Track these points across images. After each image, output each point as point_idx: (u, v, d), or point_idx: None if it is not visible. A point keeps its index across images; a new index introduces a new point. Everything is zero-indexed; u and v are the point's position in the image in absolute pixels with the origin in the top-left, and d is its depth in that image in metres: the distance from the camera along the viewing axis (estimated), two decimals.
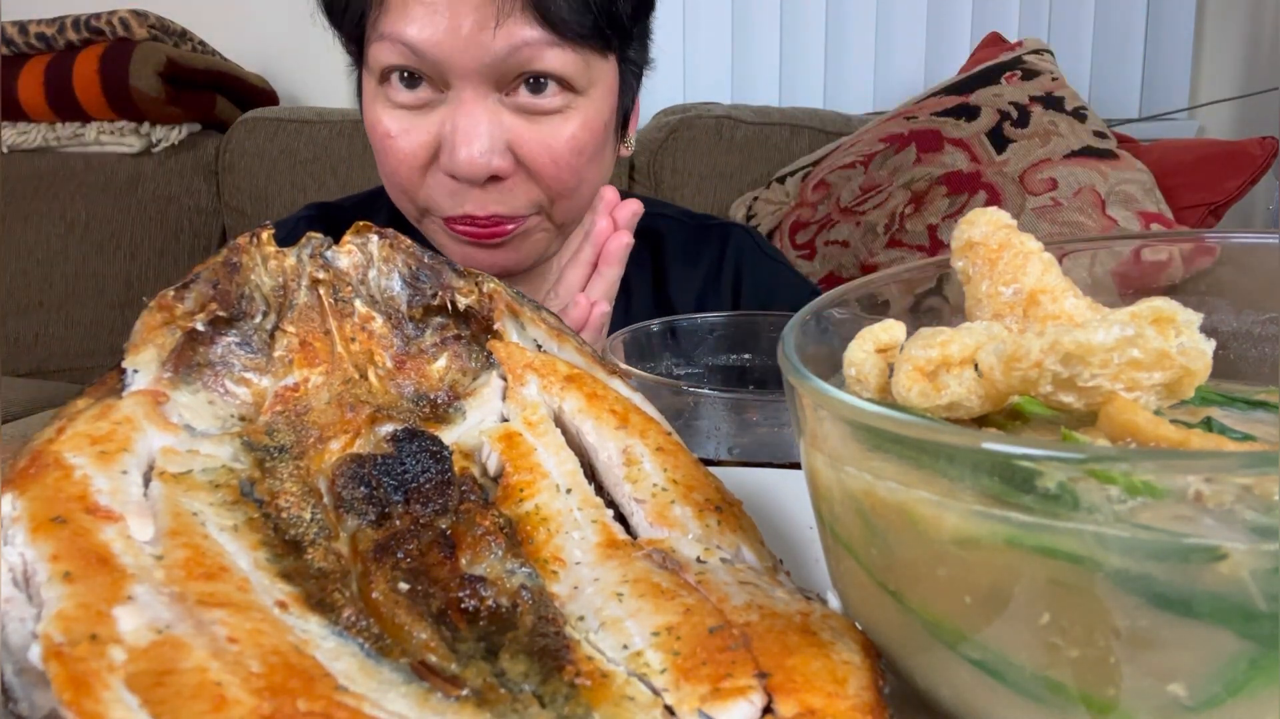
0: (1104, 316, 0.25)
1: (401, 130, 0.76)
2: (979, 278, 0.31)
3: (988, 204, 0.41)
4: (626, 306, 0.95)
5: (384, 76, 0.76)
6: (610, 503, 0.36)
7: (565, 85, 0.75)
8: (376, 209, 0.96)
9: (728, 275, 1.00)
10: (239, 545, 0.30)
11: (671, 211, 1.06)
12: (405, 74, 0.75)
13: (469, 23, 0.71)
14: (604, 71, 0.78)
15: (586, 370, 0.40)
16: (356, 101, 0.85)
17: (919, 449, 0.23)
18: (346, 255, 0.41)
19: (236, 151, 1.95)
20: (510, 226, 0.78)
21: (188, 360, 0.38)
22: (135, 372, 0.36)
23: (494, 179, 0.76)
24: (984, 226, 0.31)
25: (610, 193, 0.74)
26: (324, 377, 0.39)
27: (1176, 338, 0.24)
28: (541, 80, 0.74)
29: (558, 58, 0.73)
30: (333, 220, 0.97)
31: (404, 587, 0.30)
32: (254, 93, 2.08)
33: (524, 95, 0.75)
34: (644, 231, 1.01)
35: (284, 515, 0.32)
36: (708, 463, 0.42)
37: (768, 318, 0.61)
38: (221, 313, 0.39)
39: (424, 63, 0.73)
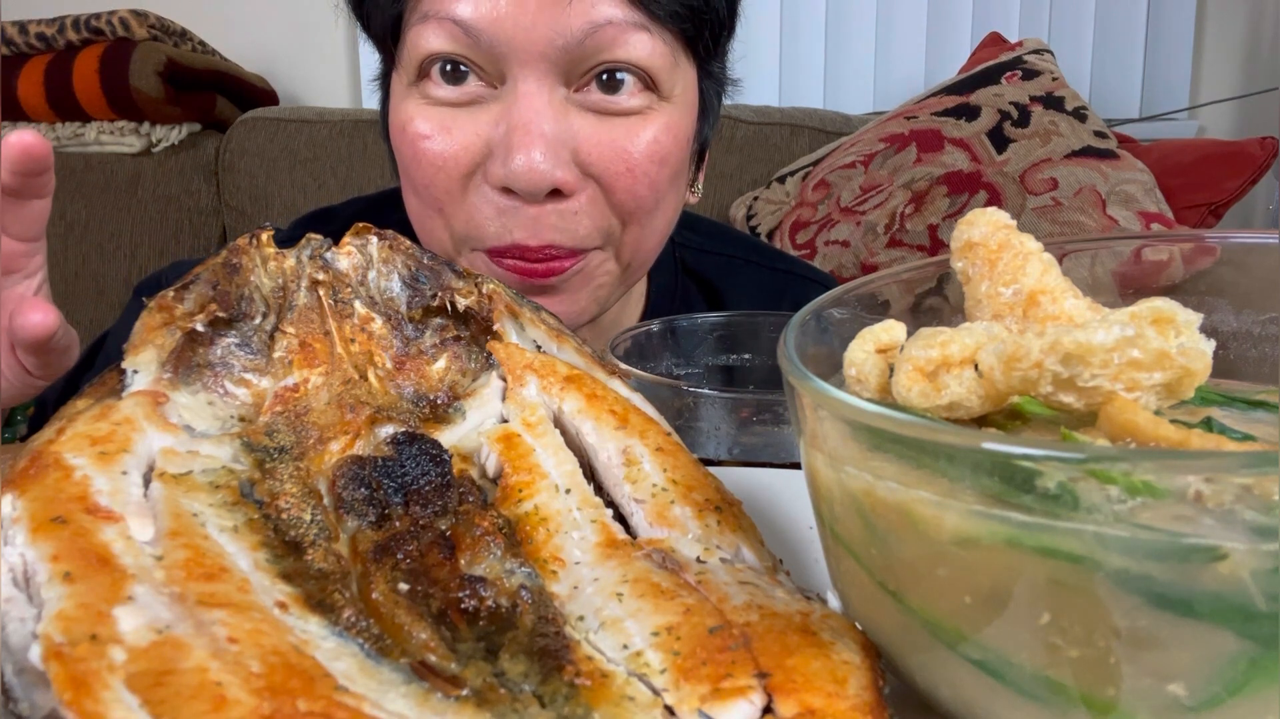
0: (1104, 317, 0.25)
1: (439, 129, 0.61)
2: (979, 278, 0.31)
3: (988, 204, 0.41)
4: None
5: (422, 71, 0.61)
6: (610, 503, 0.36)
7: (646, 84, 0.62)
8: (381, 215, 0.89)
9: None
10: (239, 546, 0.30)
11: (729, 249, 0.87)
12: (449, 65, 0.60)
13: None
14: (689, 79, 0.65)
15: (586, 371, 0.40)
16: (381, 110, 0.70)
17: (919, 449, 0.23)
18: (346, 257, 0.41)
19: (236, 151, 1.95)
20: (569, 263, 0.63)
21: (187, 361, 0.38)
22: (135, 372, 0.36)
23: (555, 194, 0.60)
24: (984, 227, 0.31)
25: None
26: (324, 377, 0.39)
27: (1176, 338, 0.24)
28: (619, 76, 0.61)
29: (644, 45, 0.60)
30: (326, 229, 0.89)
31: (404, 587, 0.30)
32: (254, 93, 2.08)
33: (596, 93, 0.61)
34: (693, 274, 0.85)
35: (284, 516, 0.32)
36: (708, 463, 0.42)
37: (768, 318, 0.61)
38: (221, 314, 0.39)
39: (478, 47, 0.59)
